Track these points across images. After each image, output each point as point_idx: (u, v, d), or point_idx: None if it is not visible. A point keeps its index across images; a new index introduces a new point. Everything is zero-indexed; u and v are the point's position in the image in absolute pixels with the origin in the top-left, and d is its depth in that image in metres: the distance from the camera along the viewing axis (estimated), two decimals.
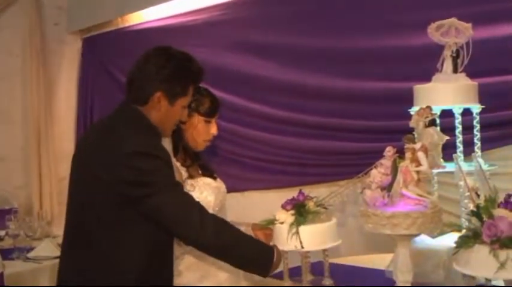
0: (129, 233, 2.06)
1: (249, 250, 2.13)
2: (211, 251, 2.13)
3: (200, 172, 2.56)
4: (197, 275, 2.40)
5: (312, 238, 2.41)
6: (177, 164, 2.46)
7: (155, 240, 2.10)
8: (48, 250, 3.63)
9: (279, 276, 2.56)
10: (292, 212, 2.46)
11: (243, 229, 2.69)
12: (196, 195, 2.44)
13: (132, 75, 2.19)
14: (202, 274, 2.40)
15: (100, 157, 2.07)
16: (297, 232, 2.39)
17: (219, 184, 2.58)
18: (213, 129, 2.54)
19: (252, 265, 2.15)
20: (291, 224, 2.41)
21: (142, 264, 2.08)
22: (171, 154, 2.31)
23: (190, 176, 2.49)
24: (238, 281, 2.47)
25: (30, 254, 3.61)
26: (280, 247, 2.36)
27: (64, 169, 5.15)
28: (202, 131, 2.51)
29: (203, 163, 2.60)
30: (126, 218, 2.05)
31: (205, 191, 2.47)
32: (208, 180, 2.53)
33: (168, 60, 2.15)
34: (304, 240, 2.39)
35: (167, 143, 2.30)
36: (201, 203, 2.40)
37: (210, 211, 2.45)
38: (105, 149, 2.08)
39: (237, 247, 2.10)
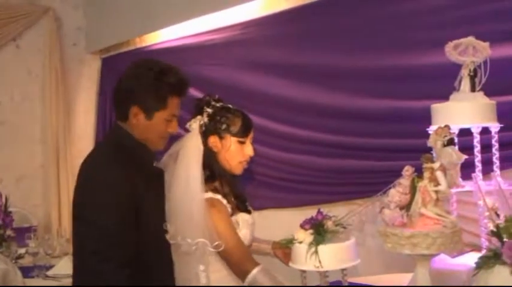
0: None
1: None
2: None
3: (235, 202, 2.50)
4: None
5: (331, 257, 2.40)
6: (223, 201, 2.40)
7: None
8: (68, 267, 3.62)
9: None
10: (311, 231, 2.46)
11: (263, 246, 2.71)
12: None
13: (114, 92, 2.23)
14: None
15: (78, 183, 2.15)
16: (316, 252, 2.39)
17: (253, 219, 2.56)
18: (248, 150, 2.49)
19: None
20: (310, 244, 2.41)
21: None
22: (199, 182, 2.29)
23: (232, 212, 2.44)
24: None
25: (50, 272, 3.63)
26: (299, 267, 2.36)
27: None
28: (236, 153, 2.46)
29: (238, 193, 2.54)
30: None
31: (244, 229, 2.44)
32: (246, 216, 2.49)
33: (140, 75, 2.16)
34: (323, 259, 2.38)
35: (194, 166, 2.29)
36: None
37: (246, 243, 2.45)
38: (82, 176, 2.15)
39: None
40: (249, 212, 2.53)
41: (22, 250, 3.82)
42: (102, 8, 5.42)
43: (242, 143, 2.47)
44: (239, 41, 4.29)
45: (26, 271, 3.52)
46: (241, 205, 2.51)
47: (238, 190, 2.53)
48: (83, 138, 5.51)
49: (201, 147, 2.37)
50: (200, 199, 2.30)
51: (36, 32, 5.38)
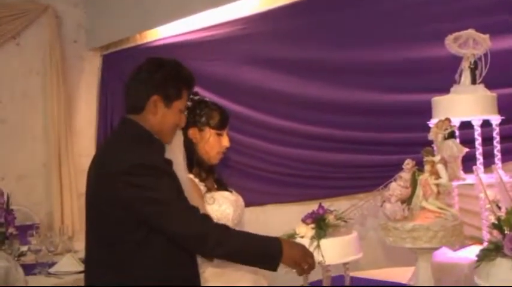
0: (144, 246, 2.10)
1: (253, 253, 2.15)
2: (217, 259, 2.20)
3: (215, 186, 2.59)
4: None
5: (333, 251, 2.41)
6: (195, 180, 2.49)
7: (172, 249, 2.13)
8: (70, 265, 3.65)
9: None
10: (313, 225, 2.47)
11: None
12: (215, 208, 2.47)
13: (128, 85, 2.26)
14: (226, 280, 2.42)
15: (100, 174, 2.15)
16: (318, 246, 2.39)
17: (236, 197, 2.61)
18: (225, 142, 2.60)
19: (259, 264, 2.19)
20: (312, 238, 2.42)
21: (163, 275, 2.11)
22: (185, 168, 2.34)
23: (208, 190, 2.53)
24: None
25: (52, 269, 3.63)
26: None
27: (84, 184, 5.19)
28: (214, 144, 2.57)
29: (218, 177, 2.64)
30: (136, 231, 2.09)
31: (223, 205, 2.51)
32: (226, 193, 2.57)
33: (160, 66, 2.23)
34: (325, 253, 2.39)
35: (179, 153, 2.32)
36: (220, 216, 2.44)
37: (229, 223, 2.48)
38: (103, 166, 2.15)
39: (241, 252, 2.13)
40: (229, 191, 2.61)
41: (24, 248, 3.81)
42: (102, 5, 5.41)
43: (220, 135, 2.58)
44: (239, 37, 4.29)
45: (28, 269, 3.52)
46: (221, 186, 2.61)
47: (216, 177, 2.64)
48: (85, 135, 5.50)
49: (181, 138, 2.41)
50: (186, 178, 2.35)
51: (37, 29, 5.35)
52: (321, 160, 3.89)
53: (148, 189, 2.06)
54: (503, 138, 2.78)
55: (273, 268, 2.15)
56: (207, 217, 2.16)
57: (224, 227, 2.16)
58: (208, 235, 2.08)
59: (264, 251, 2.15)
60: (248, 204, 2.72)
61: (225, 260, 2.23)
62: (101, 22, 5.42)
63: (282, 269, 2.20)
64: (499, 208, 2.25)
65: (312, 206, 2.58)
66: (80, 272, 3.41)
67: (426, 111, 2.80)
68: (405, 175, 2.32)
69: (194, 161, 2.54)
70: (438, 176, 2.23)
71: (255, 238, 2.18)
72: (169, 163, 2.20)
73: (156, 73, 2.20)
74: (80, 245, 3.78)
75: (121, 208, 2.07)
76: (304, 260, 2.17)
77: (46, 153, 5.33)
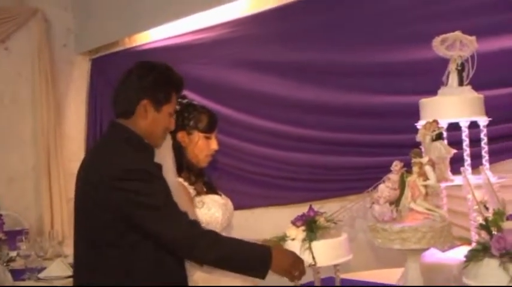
0: (133, 250, 2.09)
1: (243, 259, 2.15)
2: (206, 264, 2.17)
3: (205, 189, 2.59)
4: None
5: (324, 253, 2.41)
6: (184, 184, 2.49)
7: (161, 253, 2.12)
8: (60, 269, 3.63)
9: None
10: (303, 228, 2.47)
11: None
12: (204, 211, 2.47)
13: (117, 90, 2.25)
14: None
15: (90, 178, 2.13)
16: (310, 248, 2.40)
17: (225, 201, 2.61)
18: (214, 145, 2.61)
19: (248, 271, 2.17)
20: (303, 240, 2.42)
21: (152, 278, 2.11)
22: (174, 172, 2.34)
23: (198, 193, 2.53)
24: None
25: (42, 275, 3.61)
26: None
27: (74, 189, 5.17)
28: (203, 147, 2.58)
29: (207, 181, 2.64)
30: (126, 235, 2.09)
31: (213, 208, 2.51)
32: (216, 197, 2.58)
33: (150, 70, 2.22)
34: (317, 256, 2.39)
35: (168, 157, 2.32)
36: (209, 219, 2.44)
37: (218, 227, 2.48)
38: (93, 171, 2.14)
39: (230, 259, 2.13)
40: (219, 194, 2.62)
41: (13, 253, 3.79)
42: (90, 9, 5.40)
43: (208, 138, 2.59)
44: (228, 40, 4.29)
45: (18, 274, 3.51)
46: (210, 190, 2.62)
47: (205, 180, 2.64)
48: (74, 139, 5.49)
49: (170, 142, 2.41)
50: (175, 182, 2.35)
51: (25, 33, 5.35)
52: (310, 162, 3.89)
53: (139, 194, 2.06)
54: (491, 139, 2.79)
55: (262, 275, 2.14)
56: (196, 223, 2.15)
57: (213, 234, 2.15)
58: (198, 240, 2.08)
59: (253, 257, 2.15)
60: (237, 207, 2.73)
61: (214, 267, 2.23)
62: (90, 26, 5.41)
63: (274, 275, 2.20)
64: (487, 208, 2.26)
65: (301, 209, 2.57)
66: (70, 276, 3.40)
67: (414, 113, 2.81)
68: (393, 176, 2.33)
69: (183, 164, 2.54)
70: (426, 178, 2.24)
71: (244, 244, 2.17)
72: (159, 167, 2.20)
73: (147, 77, 2.20)
74: (69, 250, 3.76)
75: (111, 212, 2.06)
76: (294, 267, 2.17)
77: (35, 158, 5.32)
